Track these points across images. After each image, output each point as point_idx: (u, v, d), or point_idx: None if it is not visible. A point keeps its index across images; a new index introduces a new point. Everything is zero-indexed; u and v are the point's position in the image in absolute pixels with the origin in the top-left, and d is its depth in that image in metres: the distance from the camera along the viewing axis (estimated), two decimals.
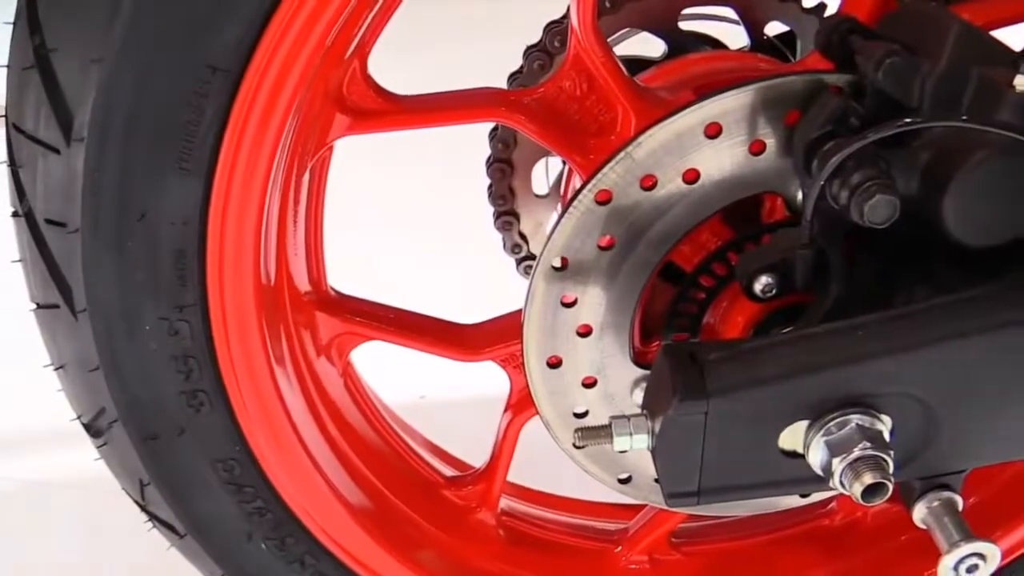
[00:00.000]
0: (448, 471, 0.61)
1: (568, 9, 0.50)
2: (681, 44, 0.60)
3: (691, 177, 0.46)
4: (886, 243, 0.43)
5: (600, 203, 0.46)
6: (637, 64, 0.60)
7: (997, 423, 0.44)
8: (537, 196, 0.66)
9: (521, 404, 0.56)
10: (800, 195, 0.45)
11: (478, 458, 0.61)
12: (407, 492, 0.57)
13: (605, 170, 0.45)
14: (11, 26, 0.44)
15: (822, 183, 0.41)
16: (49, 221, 0.44)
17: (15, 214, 0.46)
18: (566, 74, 0.49)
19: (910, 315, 0.42)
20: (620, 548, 0.61)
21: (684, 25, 0.61)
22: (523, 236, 0.65)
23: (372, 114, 0.49)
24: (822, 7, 0.60)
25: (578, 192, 0.46)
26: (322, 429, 0.53)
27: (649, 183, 0.46)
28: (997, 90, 0.39)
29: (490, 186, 0.66)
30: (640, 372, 0.50)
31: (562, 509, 0.63)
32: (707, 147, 0.45)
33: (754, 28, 0.61)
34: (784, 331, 0.45)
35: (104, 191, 0.43)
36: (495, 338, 0.55)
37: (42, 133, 0.43)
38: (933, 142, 0.40)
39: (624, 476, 0.54)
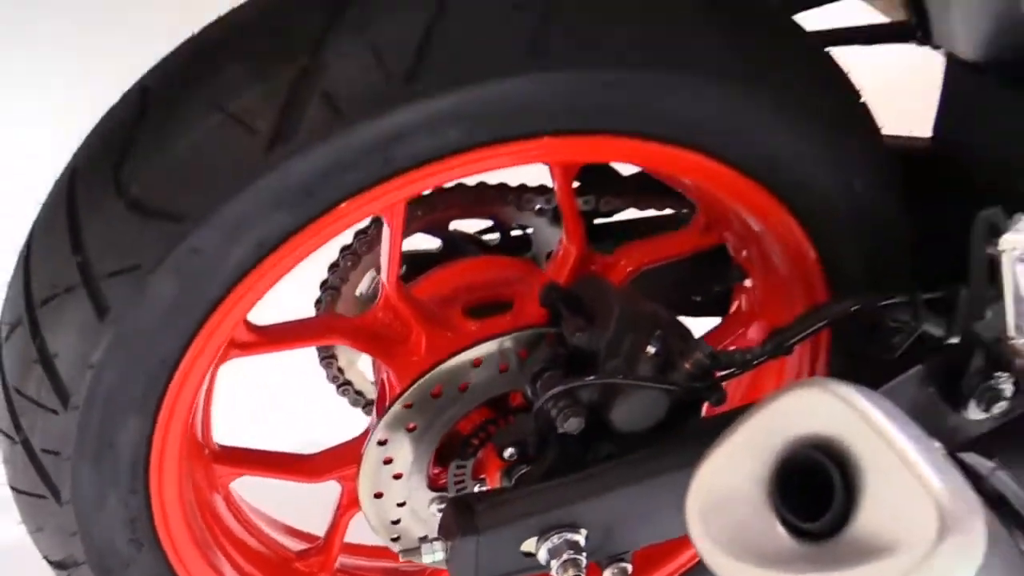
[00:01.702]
0: (298, 546, 0.87)
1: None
2: (453, 243, 0.86)
3: (463, 387, 0.73)
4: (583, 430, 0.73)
5: (406, 407, 0.73)
6: (418, 260, 0.85)
7: (650, 523, 0.75)
8: None
9: (350, 504, 0.82)
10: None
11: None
12: (274, 572, 0.83)
13: (409, 389, 0.72)
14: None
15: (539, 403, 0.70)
16: (45, 451, 0.65)
17: (12, 441, 0.66)
18: (379, 309, 0.75)
19: (597, 472, 0.72)
20: None
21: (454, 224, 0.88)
22: (340, 370, 0.90)
23: (249, 345, 0.73)
24: (555, 212, 0.86)
25: (393, 401, 0.72)
26: (217, 542, 0.78)
27: (437, 392, 0.73)
28: (638, 354, 0.69)
29: None
30: (434, 495, 0.79)
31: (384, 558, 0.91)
32: (473, 371, 0.73)
33: (503, 229, 0.88)
34: (521, 486, 0.74)
35: (89, 431, 0.64)
36: (333, 465, 0.81)
37: (43, 399, 0.63)
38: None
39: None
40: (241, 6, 0.60)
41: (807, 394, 0.54)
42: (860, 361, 0.78)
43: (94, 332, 0.59)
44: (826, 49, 0.73)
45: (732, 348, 0.85)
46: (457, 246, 0.86)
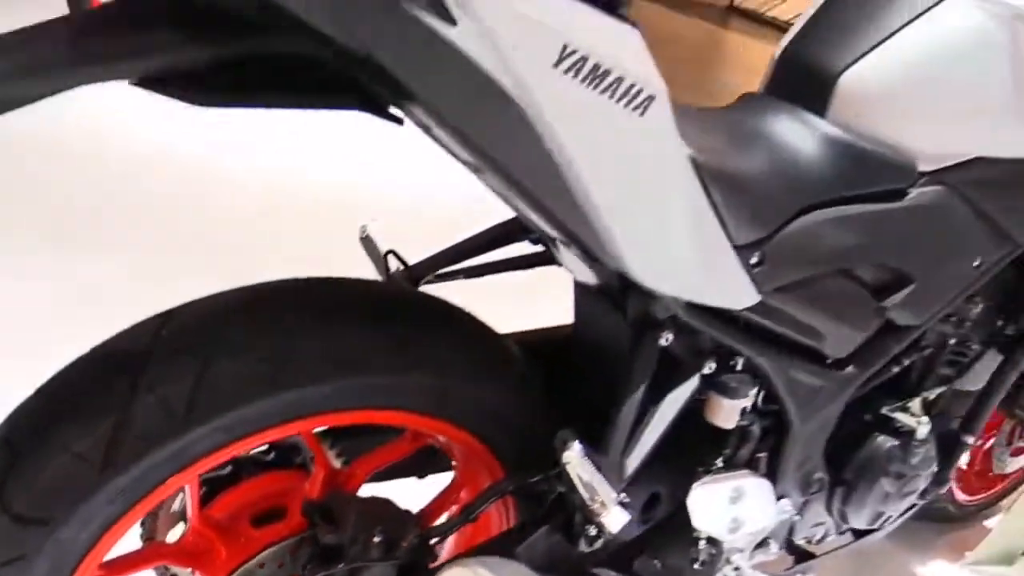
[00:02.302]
0: None
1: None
2: (239, 464, 1.18)
3: None
4: None
5: None
6: (214, 483, 1.17)
7: None
8: None
9: None
10: None
11: None
12: None
13: None
14: None
15: None
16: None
17: None
18: (190, 533, 1.06)
19: None
20: None
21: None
22: None
23: None
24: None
25: None
26: None
27: None
28: (369, 542, 1.03)
29: None
30: None
31: None
32: (260, 570, 1.05)
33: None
34: None
35: None
36: None
37: None
38: None
39: None
40: (67, 371, 0.92)
41: (453, 571, 0.91)
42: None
43: None
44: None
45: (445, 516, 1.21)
46: (243, 467, 1.18)
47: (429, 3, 0.69)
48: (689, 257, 0.97)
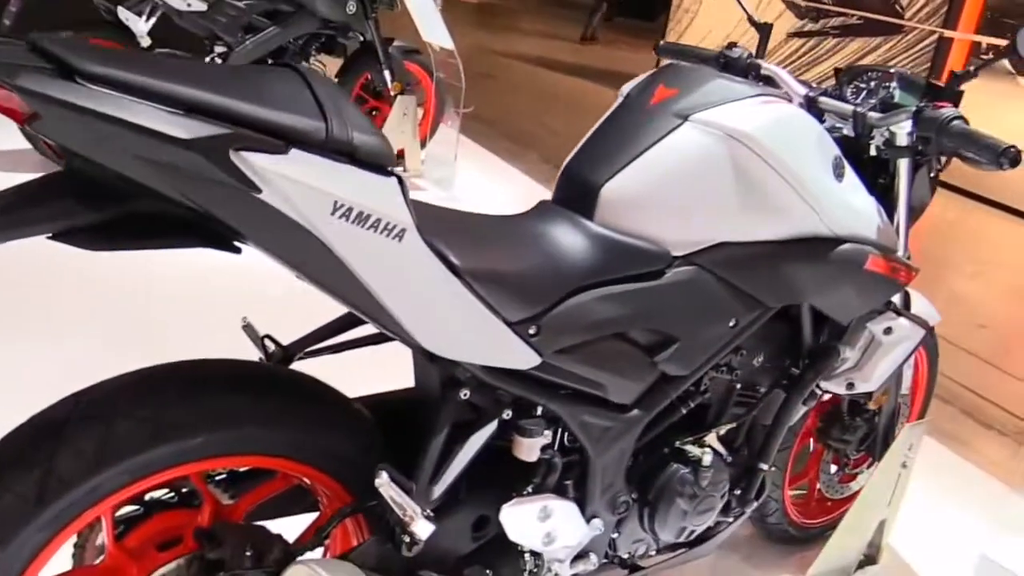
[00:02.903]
0: None
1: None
2: (150, 506, 1.52)
3: None
4: None
5: None
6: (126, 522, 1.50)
7: None
8: None
9: None
10: None
11: None
12: None
13: None
14: None
15: None
16: None
17: None
18: (109, 557, 1.39)
19: None
20: None
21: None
22: None
23: None
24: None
25: None
26: None
27: None
28: (242, 559, 1.37)
29: None
30: None
31: None
32: None
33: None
34: None
35: None
36: None
37: None
38: None
39: None
40: (10, 433, 1.26)
41: (294, 569, 1.25)
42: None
43: None
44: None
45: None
46: (151, 507, 1.52)
47: (239, 179, 1.06)
48: (468, 332, 1.34)
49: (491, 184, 5.93)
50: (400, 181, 1.18)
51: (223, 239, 1.18)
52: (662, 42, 2.32)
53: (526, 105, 8.27)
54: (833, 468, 2.52)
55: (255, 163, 1.05)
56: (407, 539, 1.39)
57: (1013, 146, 1.66)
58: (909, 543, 2.64)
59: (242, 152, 1.04)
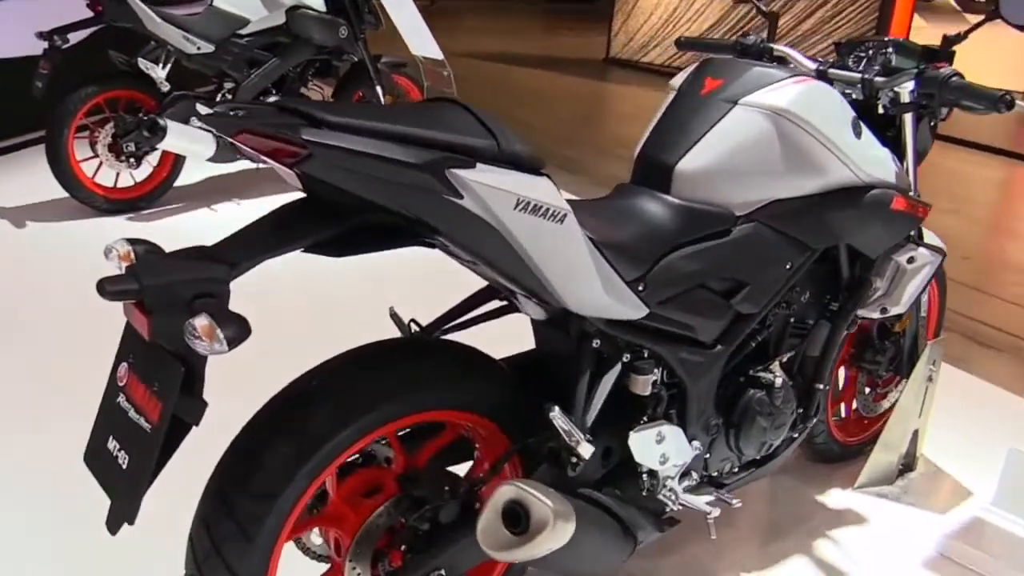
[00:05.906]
0: None
1: None
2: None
3: None
4: None
5: None
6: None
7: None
8: None
9: None
10: None
11: None
12: None
13: None
14: None
15: None
16: None
17: None
18: (332, 506, 1.73)
19: None
20: None
21: None
22: None
23: None
24: None
25: None
26: None
27: None
28: (440, 491, 1.70)
29: None
30: None
31: None
32: None
33: None
34: None
35: None
36: None
37: None
38: None
39: None
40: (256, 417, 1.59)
41: (504, 488, 1.60)
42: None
43: None
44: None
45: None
46: (363, 462, 1.85)
47: (450, 190, 1.40)
48: (600, 293, 1.68)
49: None
50: (550, 178, 1.52)
51: (423, 239, 1.52)
52: (681, 38, 2.67)
53: (496, 102, 8.56)
54: (867, 389, 2.88)
55: (459, 176, 1.39)
56: (573, 459, 1.74)
57: (1008, 93, 2.03)
58: (940, 452, 3.01)
59: (450, 169, 1.38)
